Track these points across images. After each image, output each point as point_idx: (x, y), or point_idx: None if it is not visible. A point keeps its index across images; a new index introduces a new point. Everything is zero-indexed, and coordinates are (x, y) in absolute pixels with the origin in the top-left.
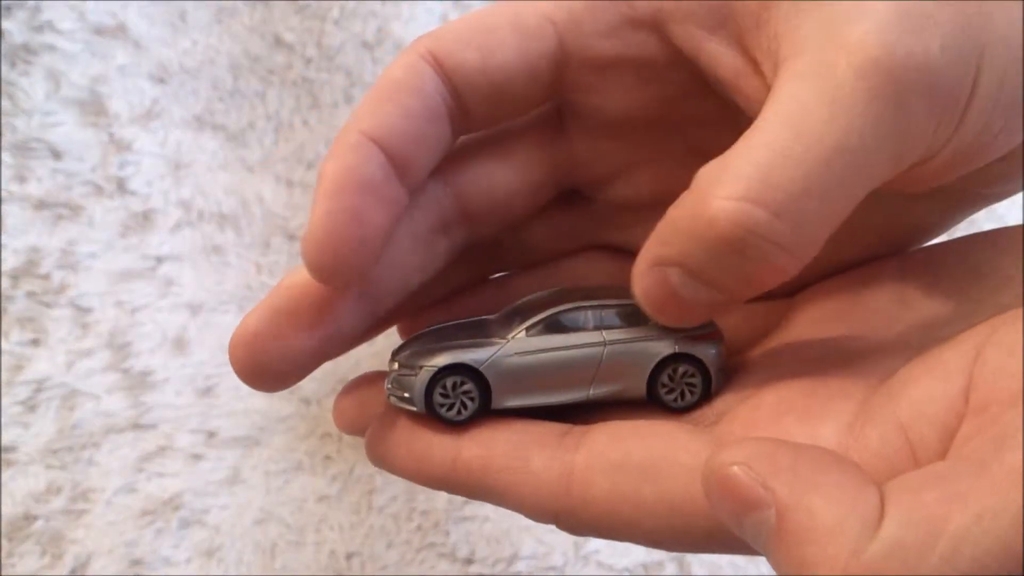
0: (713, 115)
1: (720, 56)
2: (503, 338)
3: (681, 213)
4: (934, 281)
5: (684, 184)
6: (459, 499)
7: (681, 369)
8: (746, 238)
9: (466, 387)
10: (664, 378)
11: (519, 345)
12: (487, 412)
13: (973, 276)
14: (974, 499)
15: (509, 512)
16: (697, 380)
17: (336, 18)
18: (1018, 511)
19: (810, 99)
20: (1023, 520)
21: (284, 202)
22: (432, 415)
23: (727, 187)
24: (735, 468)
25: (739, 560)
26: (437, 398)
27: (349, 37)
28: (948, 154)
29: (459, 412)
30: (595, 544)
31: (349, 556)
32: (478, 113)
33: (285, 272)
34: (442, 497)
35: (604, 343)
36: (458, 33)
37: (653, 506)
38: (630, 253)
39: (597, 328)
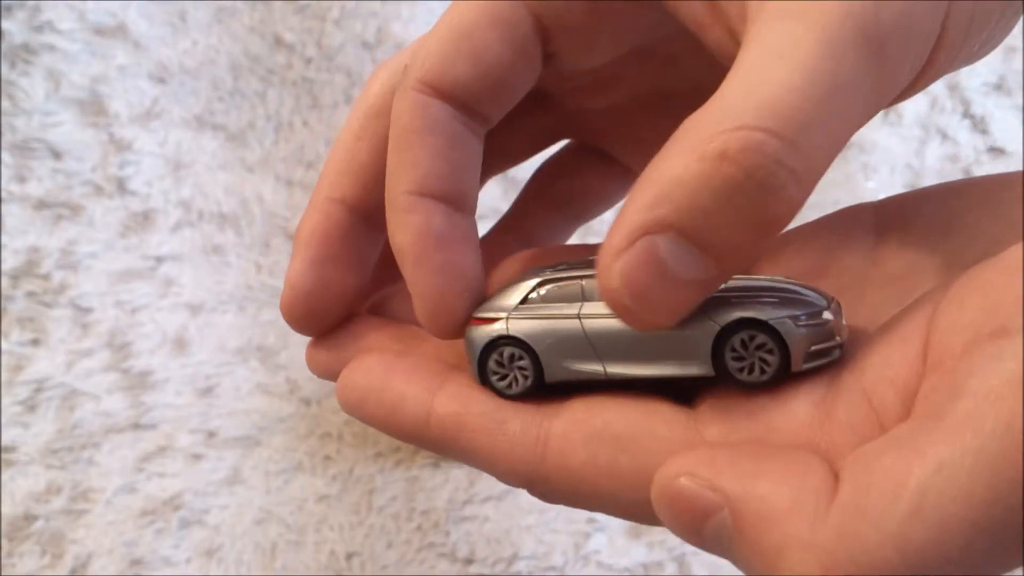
0: (689, 50)
1: (685, 4)
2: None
3: (672, 163)
4: (906, 236)
5: (659, 95)
6: (459, 499)
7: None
8: (763, 167)
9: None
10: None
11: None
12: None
13: (944, 230)
14: (932, 452)
15: (509, 512)
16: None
17: (336, 18)
18: (976, 456)
19: (803, 36)
20: (983, 463)
21: (284, 202)
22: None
23: (733, 120)
24: (681, 480)
25: None
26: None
27: (349, 37)
28: (916, 85)
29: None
30: (595, 544)
31: (349, 556)
32: (488, 114)
33: (285, 272)
34: (442, 497)
35: None
36: (440, 48)
37: (629, 478)
38: (600, 151)
39: None
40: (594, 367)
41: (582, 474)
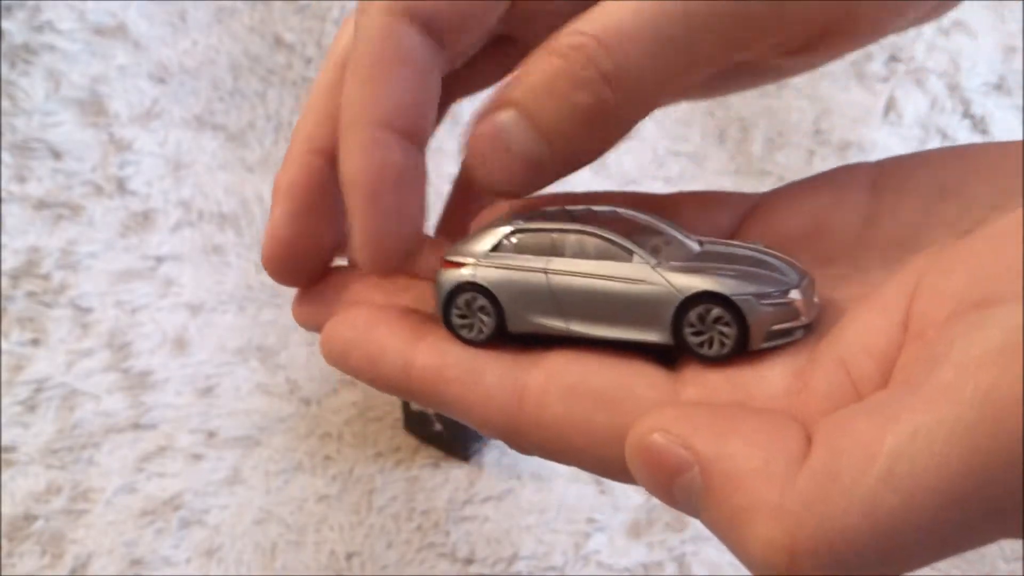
0: None
1: None
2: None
3: (531, 58)
4: (902, 199)
5: None
6: (459, 499)
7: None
8: (578, 62)
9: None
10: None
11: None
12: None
13: (940, 195)
14: (907, 419)
15: (509, 512)
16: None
17: (336, 18)
18: (952, 425)
19: None
20: (959, 433)
21: None
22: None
23: (578, 27)
24: (654, 435)
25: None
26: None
27: None
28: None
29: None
30: (595, 544)
31: (349, 556)
32: (457, 48)
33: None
34: (442, 497)
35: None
36: None
37: (604, 435)
38: None
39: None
40: (557, 323)
41: (558, 428)
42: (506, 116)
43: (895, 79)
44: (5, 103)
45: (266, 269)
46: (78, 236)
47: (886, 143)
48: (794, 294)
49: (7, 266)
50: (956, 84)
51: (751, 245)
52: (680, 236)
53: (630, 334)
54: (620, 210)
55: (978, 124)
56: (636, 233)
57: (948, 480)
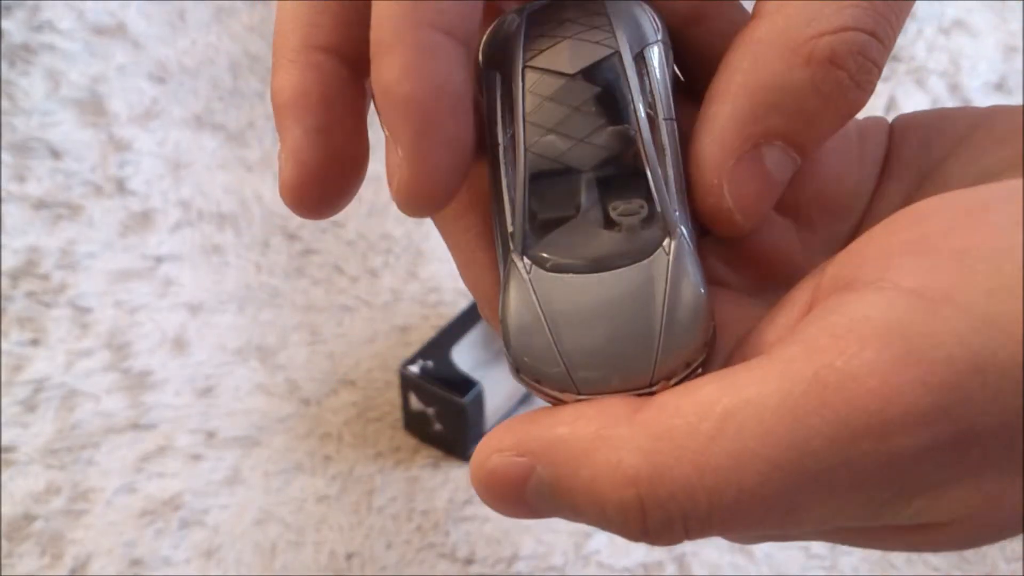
0: None
1: None
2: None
3: (772, 69)
4: (891, 166)
5: None
6: (459, 499)
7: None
8: (865, 68)
9: None
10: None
11: None
12: None
13: (920, 170)
14: (744, 386)
15: None
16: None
17: None
18: (783, 397)
19: None
20: (787, 406)
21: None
22: None
23: (832, 20)
24: (492, 459)
25: (739, 560)
26: None
27: None
28: None
29: None
30: (595, 544)
31: (349, 556)
32: None
33: (285, 272)
34: (442, 497)
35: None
36: None
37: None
38: None
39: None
40: None
41: None
42: (769, 151)
43: (895, 79)
44: (5, 103)
45: (291, 202)
46: (77, 236)
47: None
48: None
49: (7, 266)
50: (957, 84)
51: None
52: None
53: None
54: None
55: None
56: None
57: (773, 447)
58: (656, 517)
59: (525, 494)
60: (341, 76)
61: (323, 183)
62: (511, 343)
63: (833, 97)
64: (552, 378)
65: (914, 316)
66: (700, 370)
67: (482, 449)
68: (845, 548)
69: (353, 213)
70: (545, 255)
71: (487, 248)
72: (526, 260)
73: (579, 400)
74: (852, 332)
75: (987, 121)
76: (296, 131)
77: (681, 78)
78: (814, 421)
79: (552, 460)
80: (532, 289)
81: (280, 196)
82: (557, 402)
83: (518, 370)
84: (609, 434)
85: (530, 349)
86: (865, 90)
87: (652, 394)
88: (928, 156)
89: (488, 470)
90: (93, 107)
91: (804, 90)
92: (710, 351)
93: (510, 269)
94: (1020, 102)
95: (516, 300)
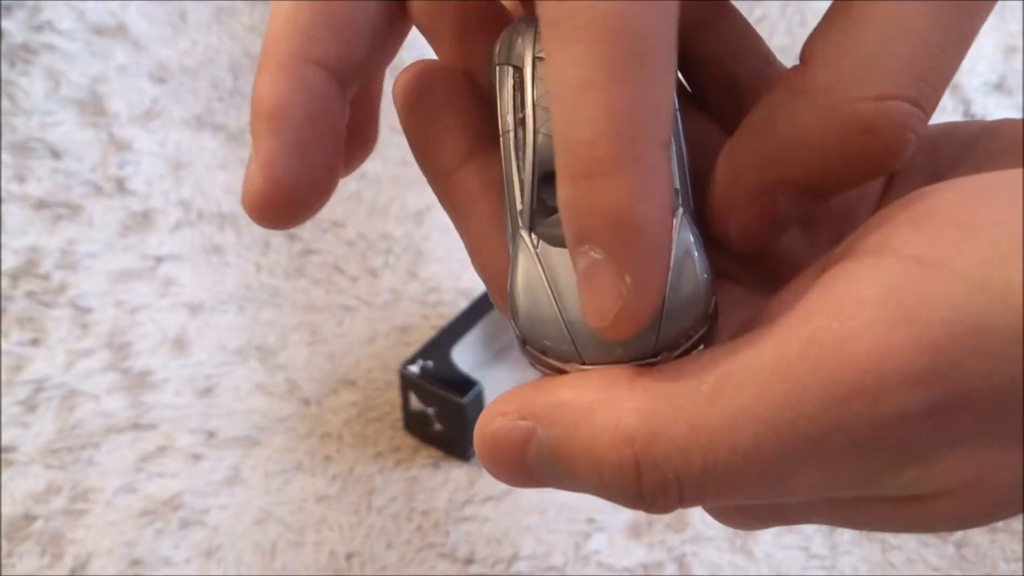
0: None
1: None
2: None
3: (805, 122)
4: (907, 175)
5: None
6: (459, 499)
7: None
8: (904, 140)
9: None
10: None
11: None
12: None
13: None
14: (744, 350)
15: (509, 512)
16: None
17: None
18: (779, 358)
19: None
20: (783, 366)
21: None
22: None
23: (875, 84)
24: (495, 423)
25: (739, 560)
26: None
27: None
28: None
29: None
30: (595, 544)
31: (349, 556)
32: None
33: (285, 272)
34: (442, 497)
35: None
36: None
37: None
38: None
39: None
40: None
41: None
42: (783, 198)
43: None
44: (5, 103)
45: (254, 213)
46: (78, 236)
47: None
48: None
49: (7, 266)
50: (956, 84)
51: None
52: None
53: None
54: None
55: None
56: None
57: (767, 407)
58: (651, 479)
59: (526, 458)
60: (328, 93)
61: (291, 200)
62: (518, 315)
63: (859, 162)
64: (557, 349)
65: (911, 280)
66: (703, 345)
67: (486, 414)
68: (845, 548)
69: (353, 213)
70: (552, 230)
71: (498, 234)
72: (534, 236)
73: (583, 371)
74: (850, 296)
75: (994, 131)
76: (273, 143)
77: (686, 86)
78: (809, 381)
79: (553, 422)
80: (539, 263)
81: (241, 202)
82: (562, 374)
83: (524, 342)
84: (609, 396)
85: (537, 321)
86: (898, 157)
87: (655, 365)
88: (935, 164)
89: (490, 432)
90: (93, 107)
91: (832, 152)
92: (712, 324)
93: (518, 244)
94: (1020, 102)
95: (523, 273)
